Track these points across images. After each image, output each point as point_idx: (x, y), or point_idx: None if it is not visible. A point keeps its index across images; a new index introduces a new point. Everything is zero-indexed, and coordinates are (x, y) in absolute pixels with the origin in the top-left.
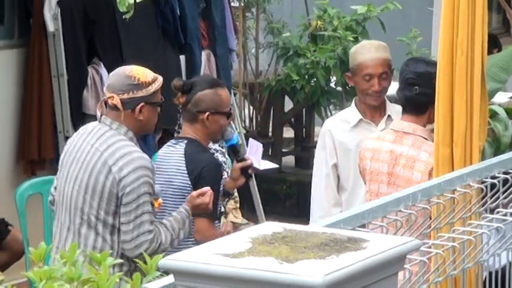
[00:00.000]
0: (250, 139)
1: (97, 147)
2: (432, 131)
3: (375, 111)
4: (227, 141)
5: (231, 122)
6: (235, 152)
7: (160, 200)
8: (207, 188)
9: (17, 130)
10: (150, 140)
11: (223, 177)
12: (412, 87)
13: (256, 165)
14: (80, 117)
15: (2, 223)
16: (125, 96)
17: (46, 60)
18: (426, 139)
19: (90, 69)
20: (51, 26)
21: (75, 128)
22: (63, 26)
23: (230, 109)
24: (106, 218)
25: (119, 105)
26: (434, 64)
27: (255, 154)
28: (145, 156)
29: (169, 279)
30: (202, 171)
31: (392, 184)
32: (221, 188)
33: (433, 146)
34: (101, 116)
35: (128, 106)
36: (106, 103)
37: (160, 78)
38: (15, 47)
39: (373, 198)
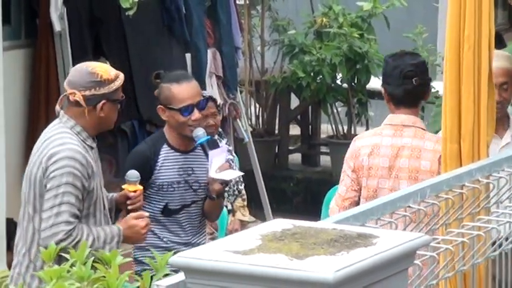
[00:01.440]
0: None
1: (40, 143)
2: None
3: (497, 123)
4: (196, 140)
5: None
6: (204, 151)
7: (139, 187)
8: (145, 213)
9: (25, 130)
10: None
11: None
12: (411, 79)
13: (212, 174)
14: None
15: (11, 223)
16: (87, 93)
17: (53, 60)
18: (425, 130)
19: None
20: (57, 26)
21: None
22: (70, 26)
23: (189, 106)
24: (41, 210)
25: (82, 102)
26: (417, 54)
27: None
28: (79, 149)
29: (180, 276)
30: None
31: (395, 177)
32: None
33: (435, 135)
34: (60, 111)
35: (89, 103)
36: (68, 99)
37: (121, 76)
38: (22, 47)
39: (371, 193)
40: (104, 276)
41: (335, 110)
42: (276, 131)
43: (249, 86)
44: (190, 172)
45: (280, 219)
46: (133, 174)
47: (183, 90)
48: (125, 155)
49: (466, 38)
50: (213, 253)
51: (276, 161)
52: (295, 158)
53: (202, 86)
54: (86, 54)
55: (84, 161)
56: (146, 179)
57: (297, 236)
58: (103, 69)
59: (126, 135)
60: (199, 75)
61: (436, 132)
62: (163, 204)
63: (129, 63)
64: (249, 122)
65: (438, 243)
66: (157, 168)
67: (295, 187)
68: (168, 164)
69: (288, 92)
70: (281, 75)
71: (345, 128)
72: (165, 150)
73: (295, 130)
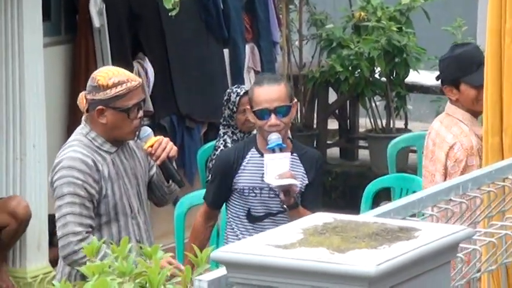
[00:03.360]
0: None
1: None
2: None
3: None
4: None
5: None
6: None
7: (153, 139)
8: (181, 267)
9: (65, 126)
10: (195, 134)
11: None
12: (483, 66)
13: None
14: None
15: (53, 219)
16: (88, 96)
17: (92, 56)
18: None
19: (135, 64)
20: (96, 22)
21: None
22: (109, 22)
23: (264, 110)
24: None
25: (82, 105)
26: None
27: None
28: (81, 156)
29: (221, 271)
30: None
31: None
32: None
33: (461, 129)
34: (84, 116)
35: (90, 107)
36: None
37: (128, 85)
38: (62, 43)
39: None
40: (146, 271)
41: (373, 104)
42: (314, 125)
43: (287, 80)
44: None
45: (321, 213)
46: (143, 130)
47: (261, 93)
48: None
49: (508, 30)
50: (255, 247)
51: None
52: (334, 152)
53: (241, 81)
54: (125, 50)
55: (84, 168)
56: (230, 182)
57: (338, 230)
58: (104, 74)
59: (165, 130)
60: (237, 71)
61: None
62: (246, 209)
63: (168, 59)
64: None
65: (481, 236)
66: (240, 171)
67: (333, 181)
68: (251, 168)
69: (326, 87)
70: (319, 69)
71: (384, 121)
72: (251, 153)
73: (333, 124)
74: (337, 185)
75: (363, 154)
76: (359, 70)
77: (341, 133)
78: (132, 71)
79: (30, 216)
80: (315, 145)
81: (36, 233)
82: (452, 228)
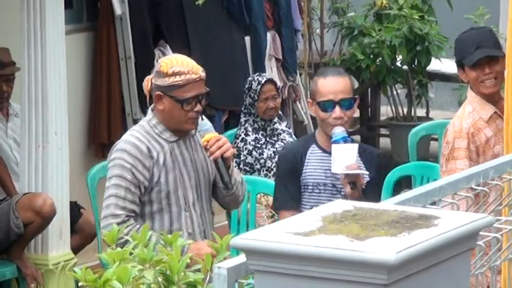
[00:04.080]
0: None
1: None
2: None
3: None
4: (331, 137)
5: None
6: None
7: (210, 135)
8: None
9: (87, 113)
10: (216, 122)
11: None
12: (482, 48)
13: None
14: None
15: (74, 206)
16: (152, 80)
17: (114, 43)
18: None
19: (156, 52)
20: (118, 9)
21: (143, 110)
22: (130, 9)
23: (329, 102)
24: None
25: (146, 88)
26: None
27: None
28: (135, 141)
29: (241, 258)
30: None
31: None
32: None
33: (463, 110)
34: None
35: (152, 91)
36: None
37: (187, 76)
38: (84, 30)
39: None
40: (166, 258)
41: (394, 92)
42: None
43: (308, 68)
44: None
45: (340, 201)
46: (202, 124)
47: (326, 84)
48: None
49: None
50: (274, 234)
51: None
52: (355, 139)
53: (262, 68)
54: (146, 37)
55: (135, 152)
56: (297, 177)
57: (357, 218)
58: (168, 61)
59: None
60: (258, 58)
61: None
62: (310, 207)
63: (189, 46)
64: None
65: (502, 224)
66: (304, 167)
67: None
68: (314, 164)
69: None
70: (340, 57)
71: (405, 110)
72: (312, 149)
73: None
74: None
75: (384, 142)
76: (380, 58)
77: (362, 121)
78: (153, 59)
79: (55, 213)
80: None
81: (58, 220)
82: (472, 216)
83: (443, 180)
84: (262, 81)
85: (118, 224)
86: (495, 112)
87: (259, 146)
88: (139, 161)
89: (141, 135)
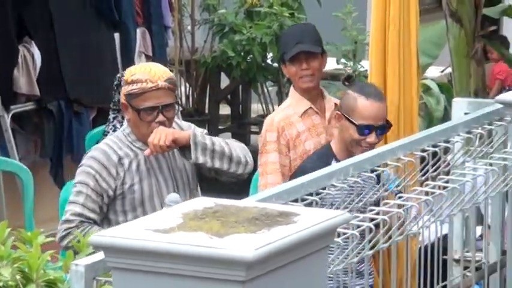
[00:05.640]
0: None
1: None
2: None
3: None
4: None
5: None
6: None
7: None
8: None
9: None
10: (84, 118)
11: None
12: (301, 43)
13: None
14: (10, 96)
15: None
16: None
17: None
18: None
19: (21, 48)
20: None
21: (5, 107)
22: None
23: (369, 126)
24: None
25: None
26: None
27: None
28: (105, 148)
29: (99, 255)
30: None
31: None
32: None
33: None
34: None
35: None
36: None
37: (143, 85)
38: None
39: None
40: (25, 256)
41: (265, 89)
42: (206, 110)
43: (179, 65)
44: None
45: (202, 198)
46: (171, 197)
47: (369, 108)
48: (51, 135)
49: (392, 18)
50: (133, 232)
51: None
52: (226, 137)
53: (131, 65)
54: (9, 33)
55: (103, 159)
56: None
57: (218, 215)
58: (133, 69)
59: (52, 115)
60: (128, 55)
61: None
62: None
63: (56, 42)
64: (179, 102)
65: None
66: None
67: None
68: None
69: (218, 72)
70: (211, 54)
71: (275, 107)
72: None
73: (225, 109)
74: None
75: (255, 139)
76: (251, 55)
77: (233, 118)
78: (17, 55)
79: None
80: (206, 130)
81: None
82: (330, 213)
83: (306, 177)
84: None
85: (68, 228)
86: (310, 107)
87: None
88: (105, 168)
89: (114, 143)
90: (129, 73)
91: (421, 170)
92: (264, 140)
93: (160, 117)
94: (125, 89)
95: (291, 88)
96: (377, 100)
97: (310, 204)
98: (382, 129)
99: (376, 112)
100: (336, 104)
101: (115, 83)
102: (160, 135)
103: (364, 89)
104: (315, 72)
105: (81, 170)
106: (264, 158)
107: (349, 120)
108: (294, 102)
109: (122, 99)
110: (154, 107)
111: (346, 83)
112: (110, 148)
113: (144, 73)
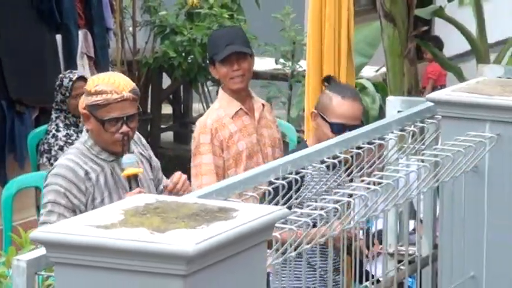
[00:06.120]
0: None
1: None
2: None
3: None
4: None
5: None
6: None
7: (132, 170)
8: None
9: None
10: (26, 118)
11: None
12: (231, 45)
13: None
14: None
15: None
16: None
17: None
18: None
19: None
20: None
21: None
22: None
23: (341, 125)
24: None
25: (81, 106)
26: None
27: None
28: (70, 164)
29: (41, 251)
30: None
31: None
32: None
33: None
34: None
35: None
36: None
37: (108, 96)
38: None
39: None
40: None
41: (206, 89)
42: (148, 110)
43: (121, 66)
44: None
45: (143, 194)
46: (127, 157)
47: (343, 107)
48: None
49: (327, 16)
50: (75, 227)
51: (149, 140)
52: (168, 136)
53: (74, 66)
54: None
55: (70, 176)
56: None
57: (159, 211)
58: (95, 79)
59: None
60: (70, 56)
61: (303, 111)
62: None
63: None
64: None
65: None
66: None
67: (167, 164)
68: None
69: (159, 72)
70: (153, 55)
71: None
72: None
73: (167, 109)
74: (171, 167)
75: None
76: (192, 56)
77: (175, 118)
78: None
79: None
80: (148, 129)
81: None
82: (268, 209)
83: (244, 174)
84: (74, 78)
85: None
86: (241, 109)
87: (70, 141)
88: (75, 185)
89: (77, 157)
90: (92, 83)
91: (357, 166)
92: (198, 142)
93: (125, 128)
94: (87, 100)
95: (220, 90)
96: (352, 100)
97: (290, 183)
98: (353, 129)
99: (351, 112)
100: (263, 105)
101: (57, 83)
102: (183, 186)
103: (341, 89)
104: (245, 73)
105: (50, 189)
106: (198, 159)
107: (323, 118)
108: (225, 104)
109: (83, 109)
110: (119, 118)
111: (326, 84)
112: (75, 164)
113: (108, 84)
